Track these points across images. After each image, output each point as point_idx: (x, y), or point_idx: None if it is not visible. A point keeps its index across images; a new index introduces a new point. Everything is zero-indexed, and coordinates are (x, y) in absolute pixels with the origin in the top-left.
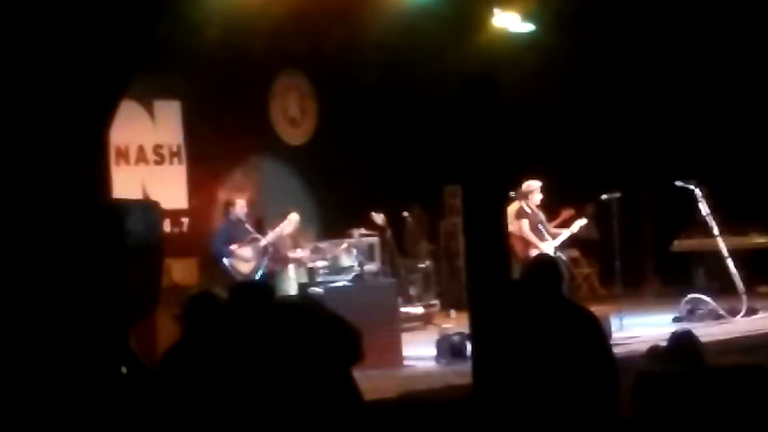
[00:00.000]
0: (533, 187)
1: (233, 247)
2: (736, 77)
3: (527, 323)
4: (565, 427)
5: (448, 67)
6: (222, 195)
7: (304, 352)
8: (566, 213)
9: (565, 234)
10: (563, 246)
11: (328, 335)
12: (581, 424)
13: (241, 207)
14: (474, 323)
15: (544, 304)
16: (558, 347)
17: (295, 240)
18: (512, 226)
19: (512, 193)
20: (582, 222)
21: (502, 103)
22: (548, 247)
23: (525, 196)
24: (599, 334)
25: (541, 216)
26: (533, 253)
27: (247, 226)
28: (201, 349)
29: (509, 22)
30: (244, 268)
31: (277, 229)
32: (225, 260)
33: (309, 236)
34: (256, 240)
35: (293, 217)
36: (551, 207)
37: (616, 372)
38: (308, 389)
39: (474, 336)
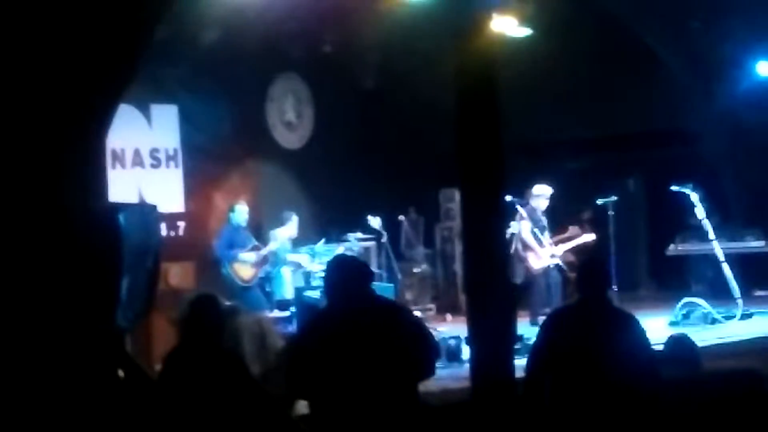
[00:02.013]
0: (542, 191)
1: (237, 251)
2: (727, 78)
3: (574, 323)
4: (611, 424)
5: (446, 70)
6: (218, 198)
7: (389, 356)
8: (572, 230)
9: (569, 245)
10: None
11: (416, 345)
12: (627, 421)
13: (242, 212)
14: (471, 327)
15: (590, 305)
16: (604, 347)
17: None
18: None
19: (509, 197)
20: (590, 237)
21: (500, 106)
22: (546, 253)
23: (533, 199)
24: (642, 335)
25: (544, 222)
26: (529, 257)
27: (248, 233)
28: (203, 352)
29: (507, 26)
30: (246, 274)
31: (280, 236)
32: (227, 264)
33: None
34: (258, 248)
35: (294, 220)
36: (550, 211)
37: (658, 371)
38: (380, 392)
39: (471, 340)
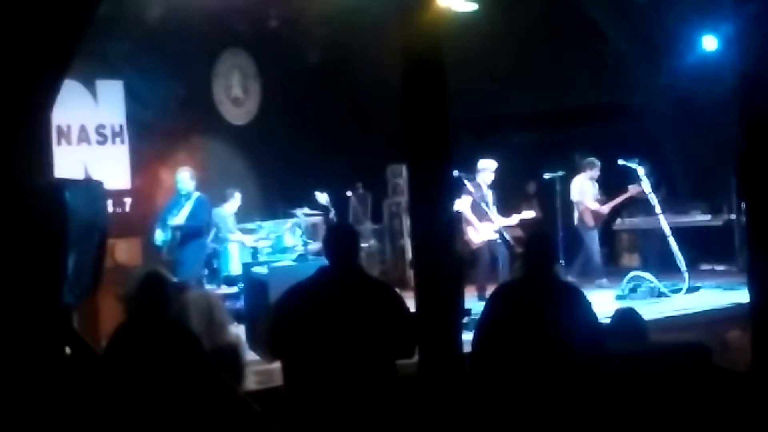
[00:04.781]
0: (486, 165)
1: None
2: (672, 53)
3: (518, 297)
4: (557, 397)
5: (393, 45)
6: (165, 174)
7: (368, 330)
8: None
9: (512, 220)
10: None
11: (396, 325)
12: (573, 395)
13: (183, 180)
14: (419, 302)
15: (536, 279)
16: (550, 320)
17: None
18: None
19: (457, 172)
20: (531, 213)
21: (446, 81)
22: (488, 227)
23: (478, 174)
24: (588, 309)
25: (488, 197)
26: (468, 231)
27: (187, 200)
28: (152, 327)
29: (453, 1)
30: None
31: (224, 213)
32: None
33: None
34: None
35: (237, 197)
36: (497, 186)
37: (603, 345)
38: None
39: (420, 315)
